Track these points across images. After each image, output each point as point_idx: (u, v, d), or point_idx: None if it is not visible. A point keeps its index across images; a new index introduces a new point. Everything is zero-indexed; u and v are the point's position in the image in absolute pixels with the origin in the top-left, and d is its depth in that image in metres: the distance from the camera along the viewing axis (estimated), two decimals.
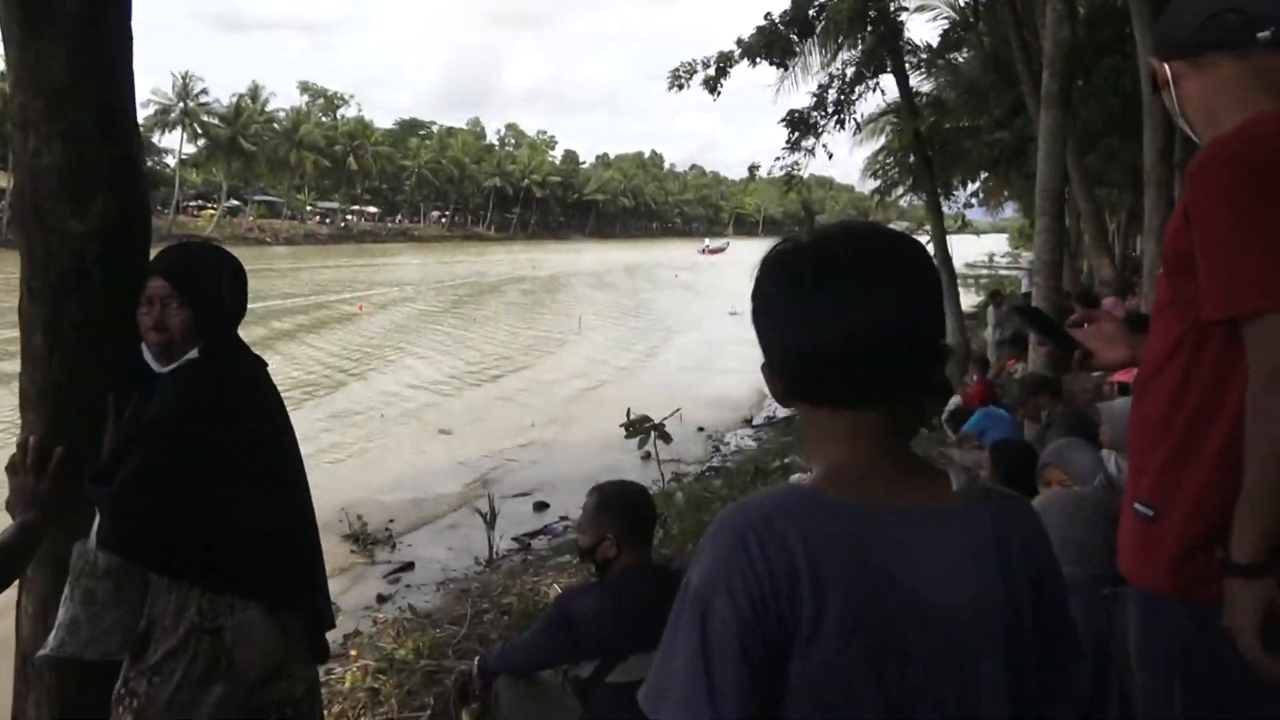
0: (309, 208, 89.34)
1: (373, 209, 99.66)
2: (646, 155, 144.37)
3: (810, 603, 0.92)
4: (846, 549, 0.95)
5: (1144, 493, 1.66)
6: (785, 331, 1.03)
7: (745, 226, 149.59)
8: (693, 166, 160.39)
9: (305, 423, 12.23)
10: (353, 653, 4.65)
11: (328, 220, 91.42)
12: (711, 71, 13.77)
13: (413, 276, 45.78)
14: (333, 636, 5.24)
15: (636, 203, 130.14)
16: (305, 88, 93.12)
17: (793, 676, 0.94)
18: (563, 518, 8.29)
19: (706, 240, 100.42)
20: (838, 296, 0.98)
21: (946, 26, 18.18)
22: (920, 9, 18.63)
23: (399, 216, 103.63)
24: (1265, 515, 1.42)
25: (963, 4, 17.77)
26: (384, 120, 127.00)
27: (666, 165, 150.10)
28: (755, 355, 1.08)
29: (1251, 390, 1.43)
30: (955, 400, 8.88)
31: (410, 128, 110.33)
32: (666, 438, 8.30)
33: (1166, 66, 1.67)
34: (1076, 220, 17.80)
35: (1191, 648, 1.56)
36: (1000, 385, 9.35)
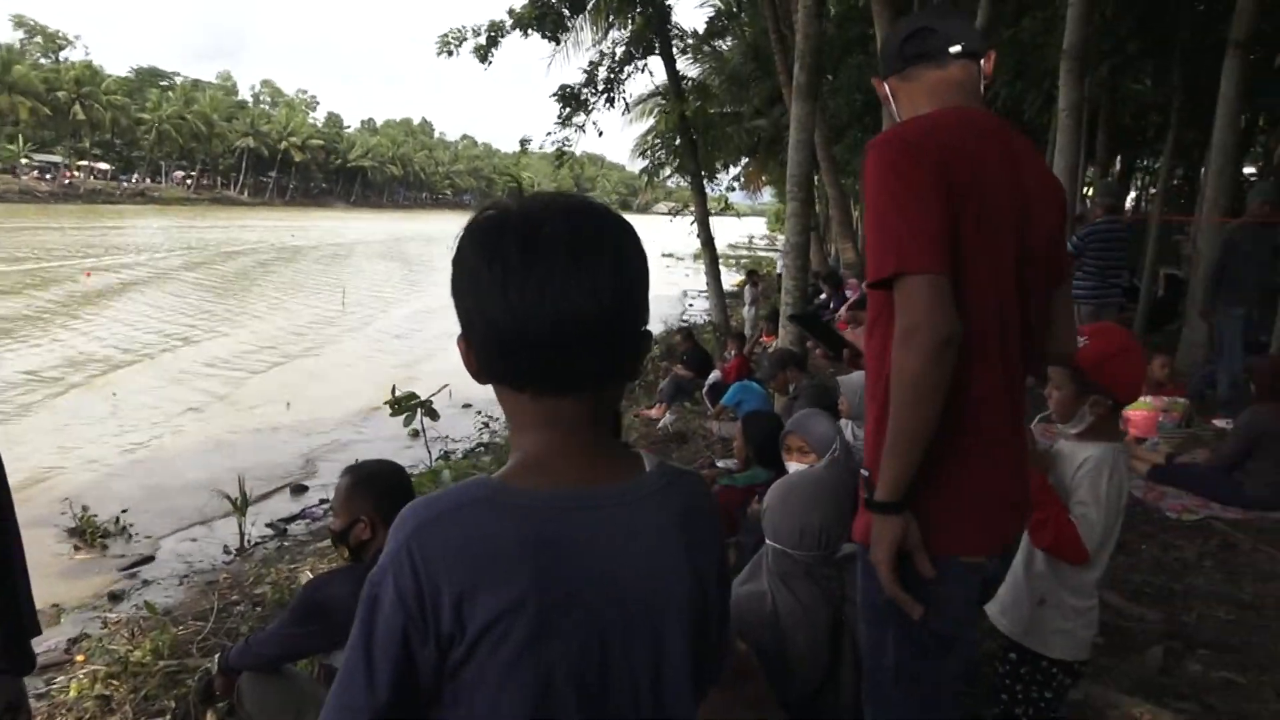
0: (24, 160, 78.83)
1: (104, 165, 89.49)
2: (416, 122, 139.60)
3: (500, 598, 0.90)
4: (540, 541, 0.92)
5: (865, 457, 1.82)
6: (488, 309, 0.94)
7: None
8: (464, 136, 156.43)
9: (29, 405, 10.97)
10: (79, 658, 4.30)
11: (48, 176, 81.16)
12: (482, 40, 13.48)
13: (157, 242, 41.65)
14: (52, 643, 4.76)
15: (405, 171, 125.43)
16: (19, 22, 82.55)
17: (480, 674, 0.91)
18: (323, 500, 7.94)
19: None
20: (548, 278, 0.92)
21: (712, 14, 18.92)
22: None
23: (135, 175, 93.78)
24: (900, 458, 1.60)
25: None
26: (118, 67, 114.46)
27: (437, 134, 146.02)
28: None
29: (893, 347, 1.59)
30: (715, 374, 9.33)
31: (149, 77, 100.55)
32: (434, 414, 8.10)
33: (885, 85, 1.92)
34: (826, 206, 19.12)
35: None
36: (755, 360, 9.87)
